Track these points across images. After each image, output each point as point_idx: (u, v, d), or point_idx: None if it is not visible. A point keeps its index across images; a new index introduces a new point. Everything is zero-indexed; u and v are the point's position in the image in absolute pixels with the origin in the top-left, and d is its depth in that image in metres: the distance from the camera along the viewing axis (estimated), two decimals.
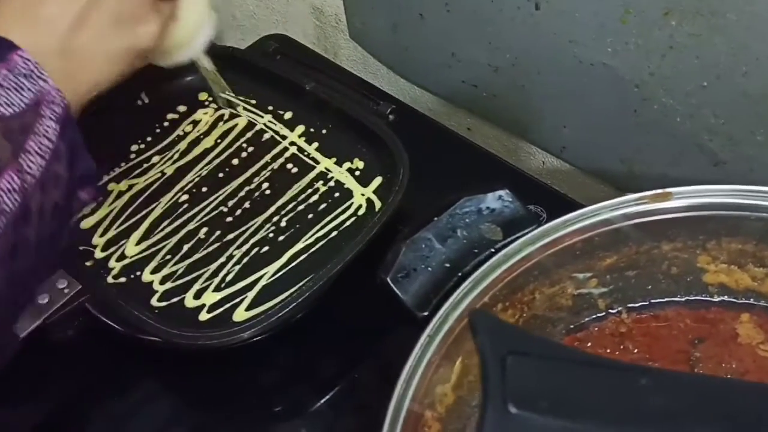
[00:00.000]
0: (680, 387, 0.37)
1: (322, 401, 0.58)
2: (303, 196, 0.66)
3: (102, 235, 0.64)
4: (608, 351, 0.48)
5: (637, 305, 0.50)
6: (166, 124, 0.73)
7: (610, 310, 0.50)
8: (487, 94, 0.76)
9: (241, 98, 0.74)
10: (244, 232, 0.64)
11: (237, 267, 0.61)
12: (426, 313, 0.43)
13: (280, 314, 0.54)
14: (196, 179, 0.68)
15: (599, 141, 0.69)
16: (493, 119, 0.78)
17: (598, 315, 0.49)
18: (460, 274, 0.44)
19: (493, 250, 0.45)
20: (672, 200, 0.46)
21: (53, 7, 0.43)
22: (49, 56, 0.42)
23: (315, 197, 0.65)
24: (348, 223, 0.63)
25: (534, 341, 0.38)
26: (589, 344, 0.48)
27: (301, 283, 0.59)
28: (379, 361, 0.58)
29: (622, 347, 0.48)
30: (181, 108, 0.74)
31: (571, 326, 0.49)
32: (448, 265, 0.44)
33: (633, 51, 0.60)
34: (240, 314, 0.58)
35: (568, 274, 0.48)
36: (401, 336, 0.53)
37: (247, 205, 0.66)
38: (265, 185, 0.67)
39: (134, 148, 0.71)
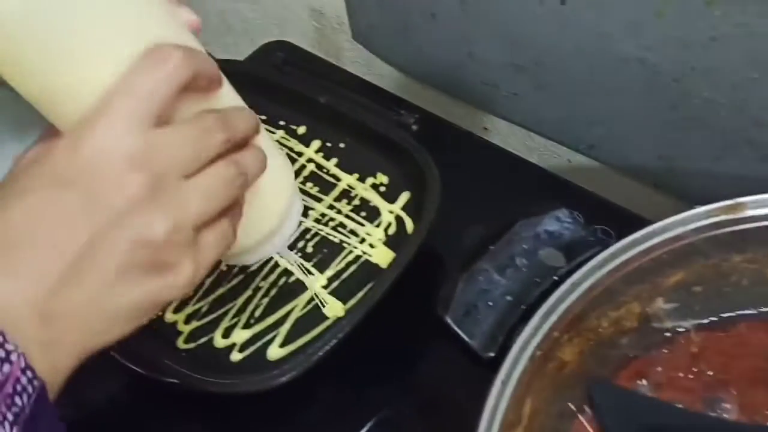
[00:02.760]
0: None
1: None
2: (327, 217, 0.62)
3: None
4: (681, 374, 0.45)
5: (705, 321, 0.46)
6: None
7: (678, 329, 0.46)
8: (507, 94, 0.72)
9: None
10: (268, 261, 0.60)
11: (265, 300, 0.58)
12: (492, 354, 0.39)
13: (321, 353, 0.50)
14: None
15: (633, 138, 0.66)
16: (514, 119, 0.75)
17: (666, 335, 0.46)
18: (523, 307, 0.40)
19: (556, 278, 0.41)
20: (746, 211, 0.42)
21: (35, 253, 0.30)
22: (22, 322, 0.30)
23: (340, 218, 0.62)
24: (379, 244, 0.60)
25: (661, 410, 0.34)
26: (660, 368, 0.45)
27: (337, 314, 0.55)
28: (425, 394, 0.55)
29: (695, 369, 0.45)
30: None
31: (639, 350, 0.45)
32: (509, 298, 0.41)
33: (671, 44, 0.56)
34: (275, 352, 0.55)
35: (633, 295, 0.44)
36: (454, 369, 0.50)
37: None
38: None
39: None
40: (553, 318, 0.39)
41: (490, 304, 0.41)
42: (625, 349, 0.46)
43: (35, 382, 0.30)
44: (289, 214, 0.39)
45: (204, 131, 0.33)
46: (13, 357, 0.29)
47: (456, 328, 0.40)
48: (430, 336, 0.54)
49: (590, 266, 0.41)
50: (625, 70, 0.60)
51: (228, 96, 0.37)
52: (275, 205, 0.38)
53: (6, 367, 0.28)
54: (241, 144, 0.35)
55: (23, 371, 0.29)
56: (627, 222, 0.44)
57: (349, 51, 0.88)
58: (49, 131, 0.35)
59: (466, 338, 0.39)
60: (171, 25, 0.35)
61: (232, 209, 0.36)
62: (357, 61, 0.88)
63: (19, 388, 0.29)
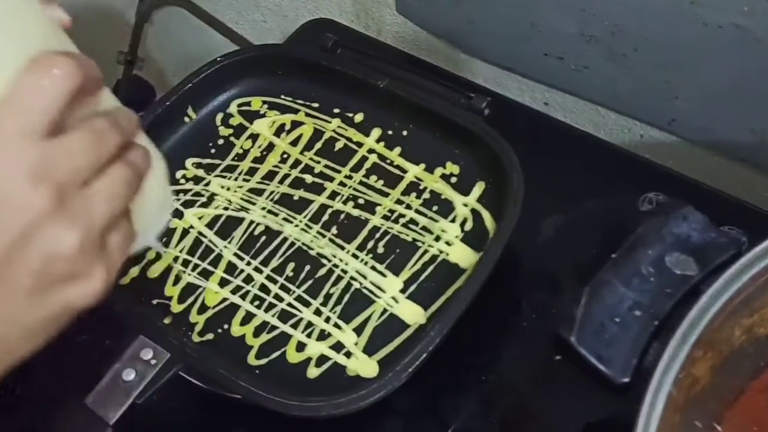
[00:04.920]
0: None
1: None
2: (396, 213, 0.57)
3: (175, 284, 0.56)
4: None
5: None
6: (220, 141, 0.63)
7: None
8: (576, 67, 0.67)
9: (300, 102, 0.64)
10: (336, 265, 0.55)
11: (338, 308, 0.53)
12: (628, 380, 0.35)
13: (410, 370, 0.46)
14: (269, 206, 0.59)
15: (721, 110, 0.61)
16: (584, 94, 0.70)
17: None
18: (656, 323, 0.36)
19: (688, 287, 0.37)
20: None
21: None
22: None
23: (411, 213, 0.57)
24: (456, 241, 0.55)
25: None
26: None
27: (418, 321, 0.51)
28: (508, 401, 0.51)
29: None
30: (234, 120, 0.65)
31: None
32: (638, 312, 0.37)
33: None
34: (354, 365, 0.51)
35: (766, 299, 0.40)
36: (565, 388, 0.46)
37: (334, 231, 0.57)
38: (350, 205, 0.58)
39: (187, 173, 0.62)
40: (694, 337, 0.35)
41: (617, 320, 0.36)
42: (755, 358, 0.41)
43: None
44: (163, 206, 0.39)
45: (99, 136, 0.32)
46: None
47: (586, 354, 0.35)
48: (512, 339, 0.50)
49: (730, 274, 0.36)
50: (718, 37, 0.55)
51: (106, 95, 0.35)
52: (159, 190, 0.38)
53: None
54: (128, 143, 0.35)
55: None
56: (717, 203, 0.39)
57: (393, 26, 0.82)
58: None
59: (597, 364, 0.35)
60: (49, 29, 0.33)
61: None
62: (401, 35, 0.83)
63: None
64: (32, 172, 0.30)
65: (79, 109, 0.32)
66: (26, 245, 0.30)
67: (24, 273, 0.31)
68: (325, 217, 0.58)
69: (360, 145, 0.61)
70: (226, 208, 0.59)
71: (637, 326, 0.36)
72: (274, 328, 0.53)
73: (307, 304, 0.54)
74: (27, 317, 0.32)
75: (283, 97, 0.65)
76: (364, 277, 0.54)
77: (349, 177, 0.60)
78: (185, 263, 0.57)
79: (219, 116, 0.65)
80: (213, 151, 0.63)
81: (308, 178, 0.60)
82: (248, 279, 0.55)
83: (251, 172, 0.61)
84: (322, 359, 0.51)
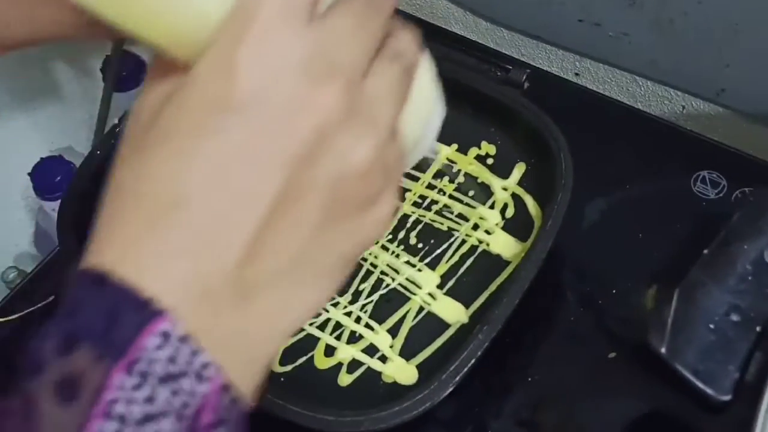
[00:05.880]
0: None
1: None
2: (428, 200, 0.52)
3: None
4: None
5: None
6: None
7: None
8: (614, 34, 0.61)
9: None
10: (365, 258, 0.50)
11: (369, 306, 0.48)
12: (729, 398, 0.30)
13: (458, 379, 0.41)
14: None
15: None
16: (622, 63, 0.64)
17: None
18: (759, 329, 0.31)
19: None
20: None
21: (216, 210, 0.22)
22: (217, 302, 0.22)
23: (444, 199, 0.52)
24: (497, 230, 0.50)
25: None
26: None
27: (460, 320, 0.46)
28: (563, 410, 0.46)
29: None
30: None
31: None
32: (736, 318, 0.32)
33: None
34: (391, 370, 0.46)
35: None
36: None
37: None
38: None
39: None
40: None
41: (712, 326, 0.31)
42: None
43: (239, 405, 0.22)
44: (437, 98, 0.30)
45: (362, 18, 0.25)
46: (210, 372, 0.21)
47: (681, 369, 0.30)
48: (559, 335, 0.45)
49: None
50: None
51: None
52: (428, 91, 0.29)
53: (202, 387, 0.21)
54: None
55: (223, 390, 0.21)
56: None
57: None
58: (158, 66, 0.25)
59: (695, 381, 0.30)
60: None
61: None
62: (415, 3, 0.77)
63: (219, 416, 0.21)
64: (310, 66, 0.23)
65: None
66: (315, 161, 0.23)
67: (313, 199, 0.23)
68: None
69: None
70: None
71: (736, 333, 0.31)
72: (299, 330, 0.48)
73: (335, 303, 0.49)
74: (315, 258, 0.24)
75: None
76: (397, 272, 0.49)
77: None
78: None
79: None
80: None
81: None
82: None
83: None
84: (355, 364, 0.46)
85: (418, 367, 0.46)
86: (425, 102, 0.27)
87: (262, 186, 0.22)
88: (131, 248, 0.21)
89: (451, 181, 0.52)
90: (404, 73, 0.26)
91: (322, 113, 0.22)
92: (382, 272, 0.49)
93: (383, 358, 0.46)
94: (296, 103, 0.22)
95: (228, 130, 0.22)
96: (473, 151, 0.53)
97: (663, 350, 0.31)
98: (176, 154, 0.22)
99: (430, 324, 0.47)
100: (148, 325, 0.20)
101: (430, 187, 0.52)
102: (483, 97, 0.53)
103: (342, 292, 0.49)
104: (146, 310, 0.20)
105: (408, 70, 0.26)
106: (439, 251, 0.50)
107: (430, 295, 0.48)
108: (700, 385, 0.31)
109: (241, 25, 0.22)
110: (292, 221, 0.23)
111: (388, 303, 0.48)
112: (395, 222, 0.51)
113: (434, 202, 0.52)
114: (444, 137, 0.54)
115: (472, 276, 0.48)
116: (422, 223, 0.51)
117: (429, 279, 0.49)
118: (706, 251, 0.33)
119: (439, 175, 0.53)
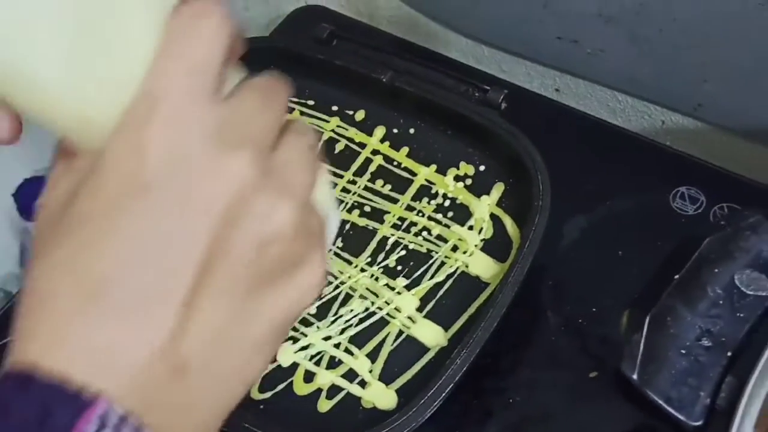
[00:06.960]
0: None
1: None
2: (407, 221, 0.52)
3: None
4: None
5: None
6: None
7: None
8: (592, 51, 0.62)
9: (294, 99, 0.59)
10: (344, 282, 0.50)
11: (348, 331, 0.48)
12: (700, 423, 0.30)
13: (437, 402, 0.41)
14: None
15: (751, 94, 0.56)
16: (600, 79, 0.64)
17: None
18: (729, 353, 0.31)
19: (763, 309, 0.32)
20: None
21: (141, 288, 0.22)
22: (155, 384, 0.22)
23: (423, 221, 0.52)
24: (476, 251, 0.50)
25: None
26: None
27: (439, 343, 0.46)
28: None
29: None
30: None
31: None
32: (707, 343, 0.32)
33: None
34: (370, 395, 0.45)
35: None
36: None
37: (338, 244, 0.52)
38: (355, 213, 0.53)
39: None
40: None
41: (683, 352, 0.31)
42: None
43: None
44: (334, 204, 0.30)
45: (266, 95, 0.25)
46: None
47: (652, 395, 0.31)
48: (540, 357, 0.45)
49: None
50: (758, 14, 0.50)
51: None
52: (326, 195, 0.29)
53: None
54: None
55: None
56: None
57: (386, 10, 0.76)
58: (63, 156, 0.25)
59: (666, 407, 0.30)
60: None
61: None
62: (396, 21, 0.77)
63: None
64: (219, 138, 0.23)
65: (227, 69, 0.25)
66: (235, 227, 0.23)
67: (237, 266, 0.23)
68: None
69: (363, 145, 0.56)
70: None
71: (708, 359, 0.31)
72: (274, 360, 0.48)
73: (314, 328, 0.49)
74: (247, 327, 0.24)
75: None
76: (376, 295, 0.49)
77: (353, 182, 0.54)
78: None
79: None
80: None
81: None
82: None
83: None
84: (334, 390, 0.46)
85: (397, 391, 0.45)
86: (324, 203, 0.27)
87: (183, 260, 0.22)
88: (57, 338, 0.21)
89: (429, 202, 0.52)
90: (311, 148, 0.26)
91: (235, 180, 0.23)
92: (361, 296, 0.49)
93: (363, 383, 0.46)
94: (208, 173, 0.22)
95: (142, 209, 0.22)
96: (452, 172, 0.53)
97: (635, 377, 0.31)
98: (92, 238, 0.22)
99: (410, 347, 0.47)
100: (83, 414, 0.20)
101: (410, 208, 0.52)
102: (461, 118, 0.53)
103: (321, 317, 0.49)
104: (78, 400, 0.20)
105: (313, 147, 0.26)
106: (418, 273, 0.50)
107: (410, 318, 0.48)
108: (672, 411, 0.31)
109: (148, 106, 0.22)
110: (218, 290, 0.22)
111: (368, 327, 0.48)
112: (374, 245, 0.51)
113: (413, 224, 0.52)
114: (423, 158, 0.55)
115: (452, 298, 0.48)
116: (401, 245, 0.51)
117: (408, 302, 0.49)
118: (677, 276, 0.33)
119: (417, 196, 0.53)
